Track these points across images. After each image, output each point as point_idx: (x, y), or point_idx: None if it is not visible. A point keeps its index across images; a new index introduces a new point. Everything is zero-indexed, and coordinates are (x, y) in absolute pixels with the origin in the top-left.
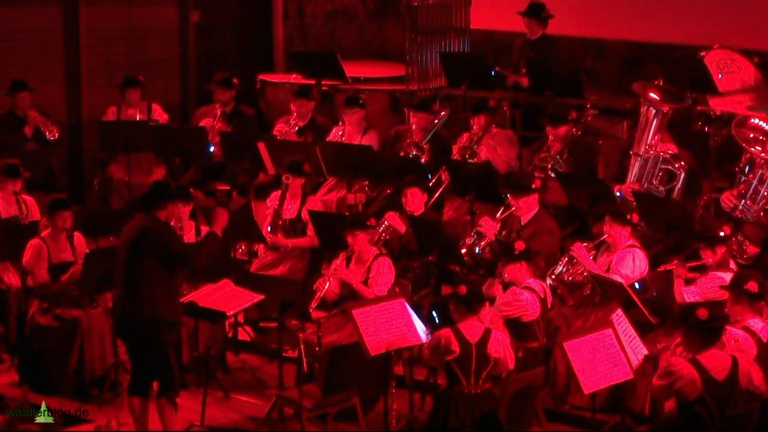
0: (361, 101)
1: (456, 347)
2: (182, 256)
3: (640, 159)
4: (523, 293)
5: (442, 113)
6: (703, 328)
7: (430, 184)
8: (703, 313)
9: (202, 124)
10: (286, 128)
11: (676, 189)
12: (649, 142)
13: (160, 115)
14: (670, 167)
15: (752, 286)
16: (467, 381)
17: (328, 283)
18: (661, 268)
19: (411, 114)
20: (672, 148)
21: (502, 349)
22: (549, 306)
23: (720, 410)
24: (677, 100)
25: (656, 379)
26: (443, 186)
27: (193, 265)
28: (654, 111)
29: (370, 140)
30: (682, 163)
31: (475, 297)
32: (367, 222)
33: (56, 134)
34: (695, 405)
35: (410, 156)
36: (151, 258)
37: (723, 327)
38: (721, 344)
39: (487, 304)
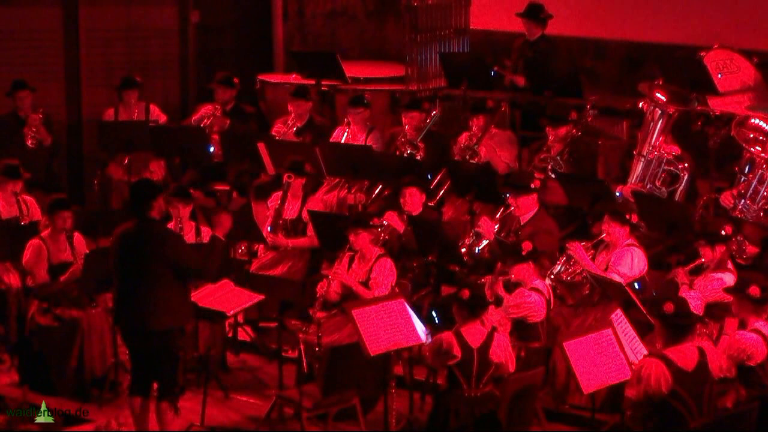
0: (366, 101)
1: (458, 352)
2: (195, 270)
3: (643, 160)
4: (531, 295)
5: (434, 112)
6: (671, 322)
7: (432, 186)
8: (669, 307)
9: (202, 112)
10: (284, 129)
11: (679, 191)
12: (653, 143)
13: (158, 116)
14: (673, 168)
15: (754, 290)
16: (468, 385)
17: (329, 285)
18: (668, 277)
19: (402, 114)
20: (675, 150)
21: (503, 353)
22: (551, 306)
23: (696, 403)
24: (683, 102)
25: (629, 389)
26: (444, 187)
27: (205, 276)
28: (660, 112)
29: (375, 140)
30: (686, 164)
31: (478, 302)
32: (370, 221)
33: (48, 141)
34: (670, 400)
35: (405, 155)
36: (162, 266)
37: (693, 323)
38: (691, 338)
39: (492, 306)
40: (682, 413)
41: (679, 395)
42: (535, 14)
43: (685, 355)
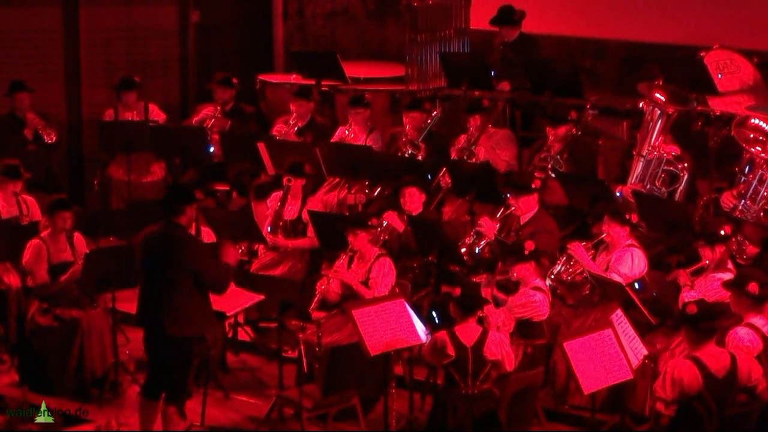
0: (366, 101)
1: (451, 351)
2: (212, 282)
3: (643, 160)
4: (536, 294)
5: (434, 112)
6: (695, 324)
7: (432, 188)
8: (692, 309)
9: (203, 113)
10: (286, 128)
11: (678, 191)
12: (652, 143)
13: (157, 115)
14: (672, 168)
15: (753, 287)
16: (465, 383)
17: (328, 283)
18: (669, 278)
19: (404, 114)
20: (675, 150)
21: (499, 351)
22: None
23: (719, 408)
24: (683, 102)
25: (662, 390)
26: (444, 189)
27: (221, 290)
28: (659, 112)
29: (375, 140)
30: (686, 164)
31: (470, 299)
32: (369, 222)
33: (54, 138)
34: (694, 402)
35: (406, 155)
36: (182, 272)
37: (716, 320)
38: (720, 341)
39: (492, 306)
40: (701, 415)
41: (704, 399)
42: (508, 19)
43: (717, 360)
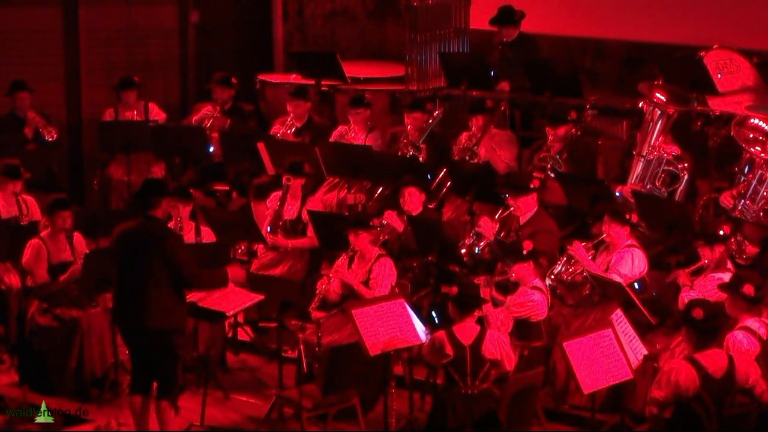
0: (366, 101)
1: (450, 350)
2: (187, 276)
3: (643, 160)
4: (534, 294)
5: (436, 112)
6: (700, 328)
7: (433, 187)
8: (698, 313)
9: (202, 113)
10: (283, 129)
11: (678, 191)
12: (652, 143)
13: (157, 114)
14: (672, 168)
15: (748, 289)
16: (464, 382)
17: (329, 282)
18: (669, 279)
19: (405, 114)
20: (675, 150)
21: (498, 350)
22: (549, 306)
23: (717, 408)
24: (683, 102)
25: (657, 391)
26: (445, 188)
27: (195, 287)
28: (659, 112)
29: (374, 140)
30: (686, 164)
31: (468, 298)
32: (370, 222)
33: (54, 135)
34: (692, 402)
35: (408, 156)
36: (161, 265)
37: (720, 327)
38: (719, 343)
39: (490, 305)
40: (700, 417)
41: (702, 400)
42: (508, 19)
43: (715, 361)
